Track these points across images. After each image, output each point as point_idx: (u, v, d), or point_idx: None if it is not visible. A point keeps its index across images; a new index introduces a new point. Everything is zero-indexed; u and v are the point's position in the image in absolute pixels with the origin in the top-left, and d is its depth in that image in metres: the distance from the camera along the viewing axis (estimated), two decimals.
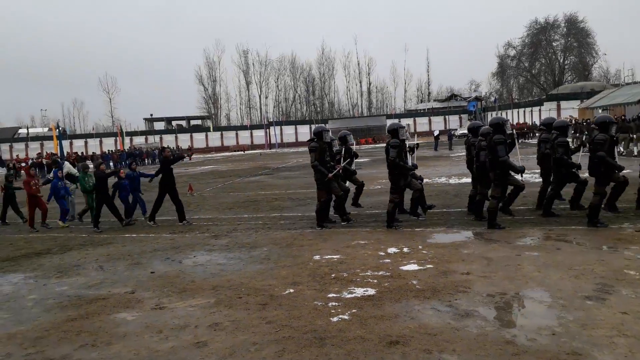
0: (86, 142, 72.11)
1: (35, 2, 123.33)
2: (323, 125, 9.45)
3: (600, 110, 42.48)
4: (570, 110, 50.31)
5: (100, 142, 71.94)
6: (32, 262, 7.95)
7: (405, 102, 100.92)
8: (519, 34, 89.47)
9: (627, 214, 8.43)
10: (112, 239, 9.57)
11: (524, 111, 62.20)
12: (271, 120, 79.46)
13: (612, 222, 7.89)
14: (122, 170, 11.42)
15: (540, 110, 57.14)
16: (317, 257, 6.92)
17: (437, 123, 75.55)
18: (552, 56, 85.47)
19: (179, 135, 75.62)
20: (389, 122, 76.52)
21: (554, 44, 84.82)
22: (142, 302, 5.50)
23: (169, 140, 71.29)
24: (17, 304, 5.79)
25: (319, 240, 8.10)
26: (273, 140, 71.49)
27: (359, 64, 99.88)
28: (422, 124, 78.42)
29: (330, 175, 8.92)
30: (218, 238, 8.89)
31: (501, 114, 66.93)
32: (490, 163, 8.08)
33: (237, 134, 78.26)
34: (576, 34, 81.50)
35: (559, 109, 55.25)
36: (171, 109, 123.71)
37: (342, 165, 9.59)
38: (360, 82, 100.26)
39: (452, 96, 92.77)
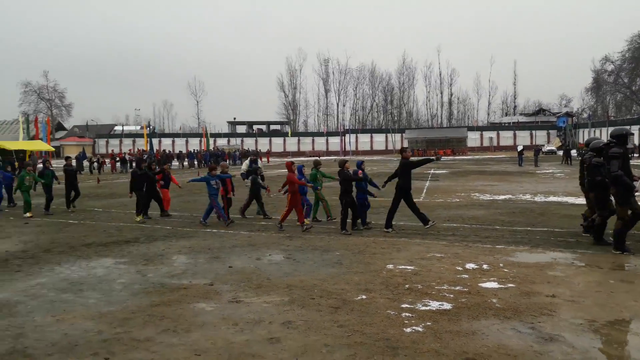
0: (173, 141, 76.70)
1: (131, 10, 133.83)
2: (625, 127, 8.44)
3: None
4: None
5: (186, 141, 76.22)
6: (121, 249, 8.54)
7: (488, 114, 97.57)
8: (618, 48, 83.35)
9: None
10: (194, 232, 10.06)
11: None
12: (347, 127, 79.89)
13: None
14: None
15: (639, 129, 52.57)
16: (390, 267, 6.82)
17: (523, 138, 72.04)
18: None
19: (258, 139, 78.28)
20: (471, 134, 74.18)
21: None
22: (220, 294, 5.71)
23: (249, 144, 74.02)
24: (108, 286, 6.24)
25: (392, 249, 7.98)
26: (348, 148, 71.76)
27: (440, 74, 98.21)
28: (506, 137, 75.23)
29: (637, 188, 7.61)
30: (292, 239, 9.04)
31: (594, 132, 62.50)
32: None
33: (313, 140, 79.59)
34: None
35: None
36: (253, 114, 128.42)
37: None
38: (442, 93, 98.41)
39: (540, 110, 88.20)
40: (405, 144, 72.56)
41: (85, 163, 37.24)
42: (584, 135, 65.89)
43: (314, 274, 6.49)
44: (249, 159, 13.61)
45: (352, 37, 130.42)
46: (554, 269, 6.55)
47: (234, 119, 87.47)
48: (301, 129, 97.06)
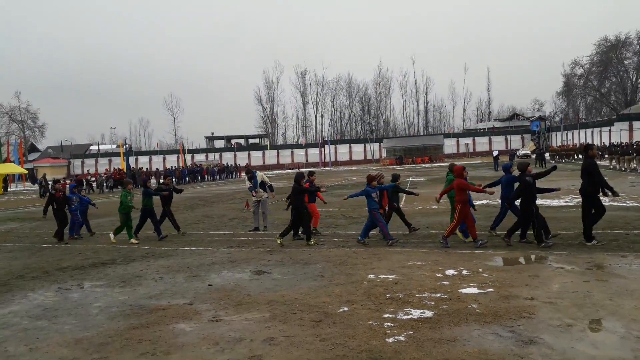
0: (150, 159, 75.78)
1: (106, 29, 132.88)
2: None
3: None
4: None
5: (164, 159, 75.35)
6: (98, 272, 8.35)
7: (464, 121, 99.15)
8: (586, 52, 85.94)
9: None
10: (173, 251, 9.91)
11: (592, 132, 59.08)
12: (326, 139, 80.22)
13: None
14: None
15: (610, 130, 54.09)
16: (371, 276, 6.82)
17: (498, 143, 73.31)
18: (624, 74, 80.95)
19: (237, 153, 77.89)
20: (447, 141, 75.23)
21: (626, 62, 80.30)
22: (199, 313, 5.62)
23: (227, 158, 73.54)
24: (84, 310, 6.08)
25: (373, 259, 7.99)
26: (327, 159, 71.98)
27: (416, 83, 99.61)
28: (481, 143, 76.43)
29: None
30: (273, 253, 8.98)
31: (566, 135, 64.04)
32: None
33: (292, 152, 79.61)
34: None
35: (631, 129, 52.07)
36: (231, 128, 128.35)
37: None
38: (417, 101, 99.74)
39: (514, 115, 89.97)
40: (384, 154, 73.16)
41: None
42: (556, 139, 67.40)
43: (295, 288, 6.45)
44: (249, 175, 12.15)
45: (329, 49, 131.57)
46: (532, 272, 6.64)
47: (212, 134, 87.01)
48: (280, 141, 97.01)
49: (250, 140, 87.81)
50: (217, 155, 77.19)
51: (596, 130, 58.23)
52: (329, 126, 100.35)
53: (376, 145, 77.81)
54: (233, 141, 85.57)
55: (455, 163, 9.61)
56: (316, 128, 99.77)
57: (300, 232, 10.33)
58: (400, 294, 5.88)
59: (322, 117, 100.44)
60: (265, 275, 7.36)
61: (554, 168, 9.16)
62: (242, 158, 75.01)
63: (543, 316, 4.83)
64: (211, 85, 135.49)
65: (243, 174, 44.53)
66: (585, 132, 60.72)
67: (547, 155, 40.43)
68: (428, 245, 8.97)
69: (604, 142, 49.53)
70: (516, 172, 8.85)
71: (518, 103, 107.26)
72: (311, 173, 11.33)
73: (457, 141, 78.05)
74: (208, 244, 10.47)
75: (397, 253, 8.39)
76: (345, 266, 7.59)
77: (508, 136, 75.86)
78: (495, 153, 37.46)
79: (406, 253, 8.35)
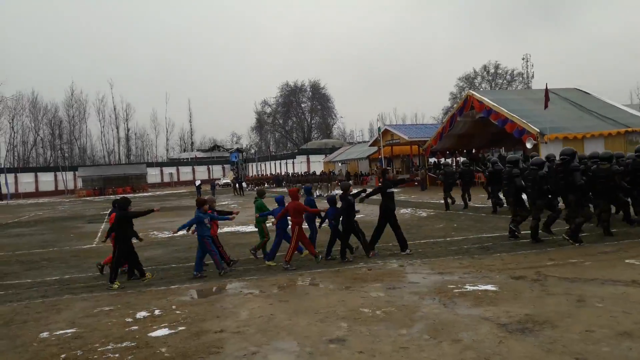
0: None
1: None
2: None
3: (340, 164, 49.23)
4: (317, 164, 56.93)
5: None
6: None
7: (167, 150, 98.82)
8: (273, 94, 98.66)
9: (361, 254, 9.45)
10: None
11: (280, 163, 67.72)
12: (2, 166, 66.97)
13: (350, 263, 8.78)
14: None
15: (293, 162, 63.06)
16: (45, 335, 5.70)
17: (201, 172, 75.88)
18: (302, 115, 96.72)
19: None
20: (151, 170, 73.25)
21: (303, 105, 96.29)
22: None
23: None
24: None
25: (50, 312, 6.76)
26: (5, 191, 60.16)
27: (115, 108, 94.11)
28: (185, 173, 77.65)
29: None
30: None
31: (260, 165, 71.48)
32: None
33: None
34: (319, 98, 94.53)
35: (308, 161, 62.06)
36: None
37: None
38: (117, 128, 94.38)
39: (215, 147, 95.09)
40: (80, 183, 65.96)
41: None
42: (252, 169, 74.41)
43: None
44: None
45: (5, 62, 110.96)
46: (223, 302, 6.77)
47: None
48: None
49: None
50: None
51: (283, 161, 67.07)
52: (7, 151, 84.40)
53: (70, 175, 69.45)
54: None
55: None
56: None
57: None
58: (79, 352, 5.05)
59: None
60: None
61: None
62: None
63: (230, 348, 4.88)
64: None
65: None
66: (275, 163, 69.09)
67: (244, 183, 43.93)
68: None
69: (289, 172, 57.39)
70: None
71: (219, 135, 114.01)
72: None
73: (161, 170, 77.23)
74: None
75: (82, 300, 7.36)
76: (9, 327, 6.15)
77: (210, 166, 79.47)
78: (197, 182, 38.47)
79: (94, 299, 7.40)
